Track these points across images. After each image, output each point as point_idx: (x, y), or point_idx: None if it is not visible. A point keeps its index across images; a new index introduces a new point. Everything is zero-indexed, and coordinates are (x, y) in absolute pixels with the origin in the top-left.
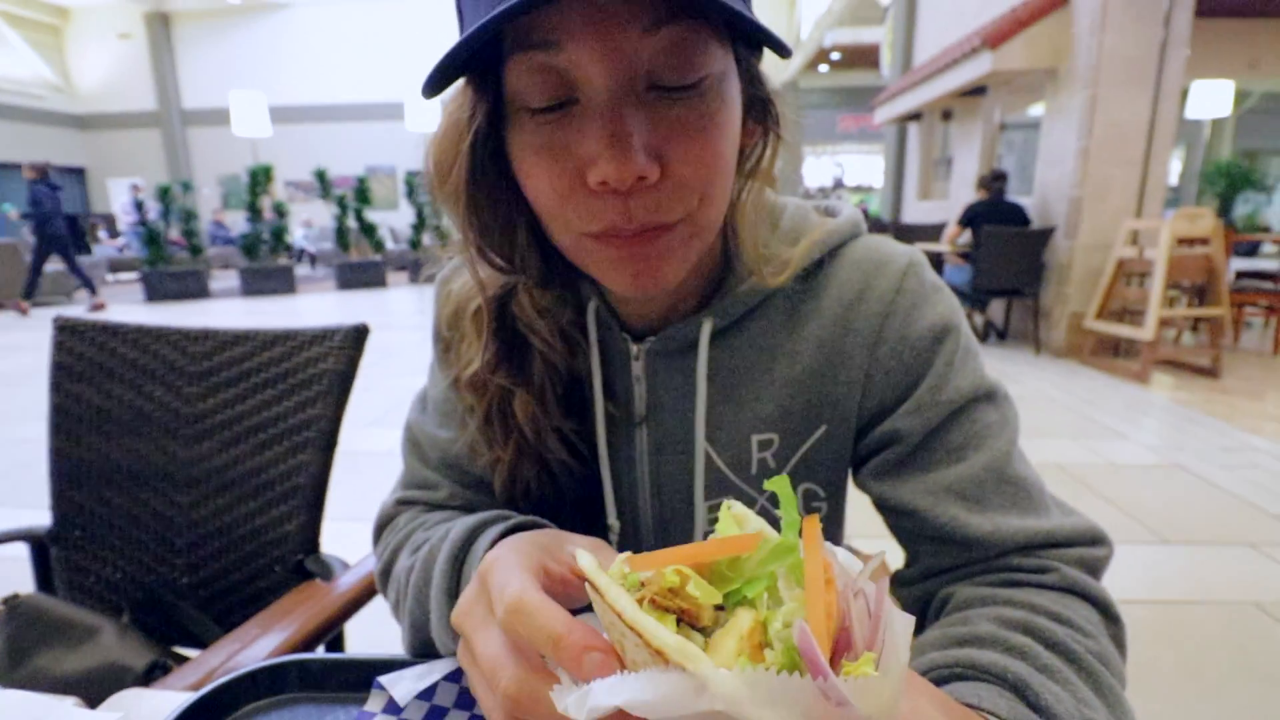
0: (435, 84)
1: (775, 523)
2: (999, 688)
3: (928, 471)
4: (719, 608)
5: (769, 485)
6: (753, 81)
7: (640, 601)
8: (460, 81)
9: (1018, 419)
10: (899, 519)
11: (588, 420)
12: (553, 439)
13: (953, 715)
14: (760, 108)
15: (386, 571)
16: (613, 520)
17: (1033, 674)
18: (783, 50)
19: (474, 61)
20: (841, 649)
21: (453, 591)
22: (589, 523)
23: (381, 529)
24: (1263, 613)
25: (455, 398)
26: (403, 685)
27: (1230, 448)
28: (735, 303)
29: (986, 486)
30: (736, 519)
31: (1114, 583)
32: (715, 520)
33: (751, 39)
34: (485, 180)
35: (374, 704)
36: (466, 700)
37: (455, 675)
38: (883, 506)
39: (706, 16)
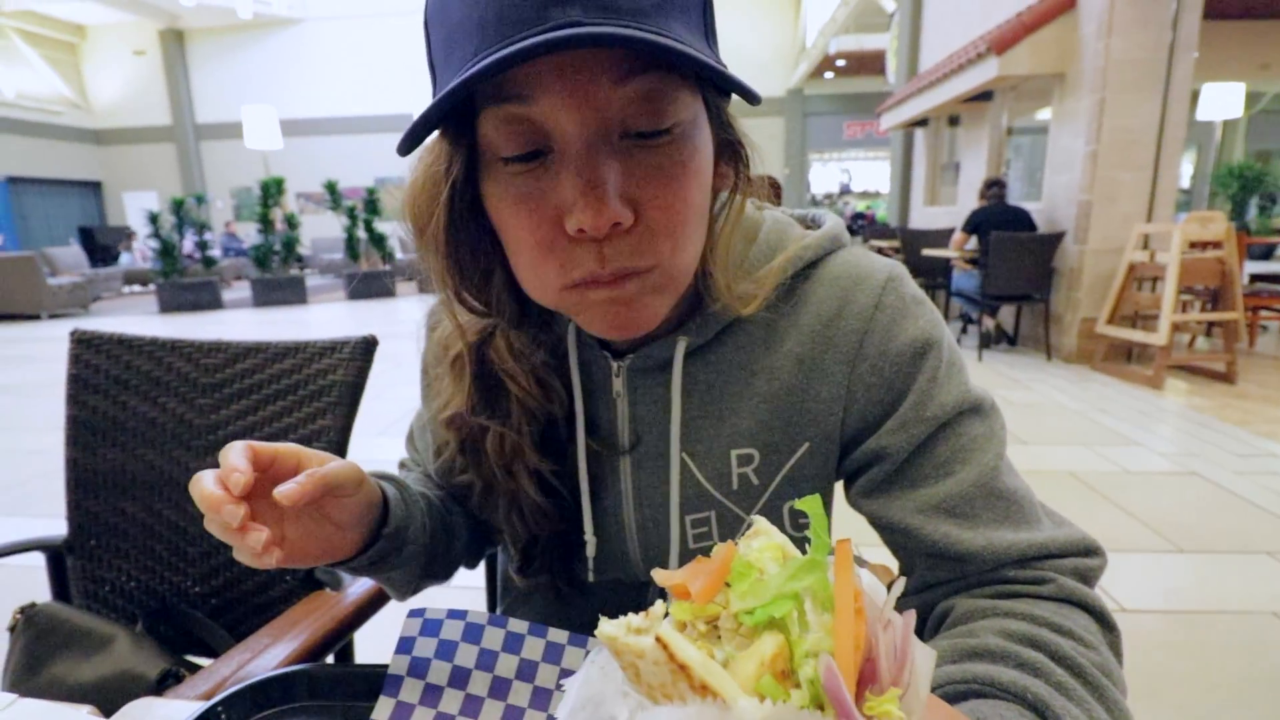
0: (411, 142)
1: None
2: (1020, 707)
3: (916, 488)
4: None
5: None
6: (723, 126)
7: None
8: (435, 134)
9: (1005, 429)
10: (892, 536)
11: (565, 459)
12: (527, 478)
13: None
14: (731, 151)
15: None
16: (589, 536)
17: (1053, 695)
18: (752, 98)
19: (449, 115)
20: (866, 681)
21: None
22: (567, 537)
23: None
24: None
25: (436, 427)
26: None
27: (1246, 454)
28: (709, 322)
29: (976, 502)
30: (763, 532)
31: (1129, 592)
32: (696, 534)
33: (721, 86)
34: (463, 229)
35: (381, 711)
36: (488, 659)
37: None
38: (875, 524)
39: (675, 67)
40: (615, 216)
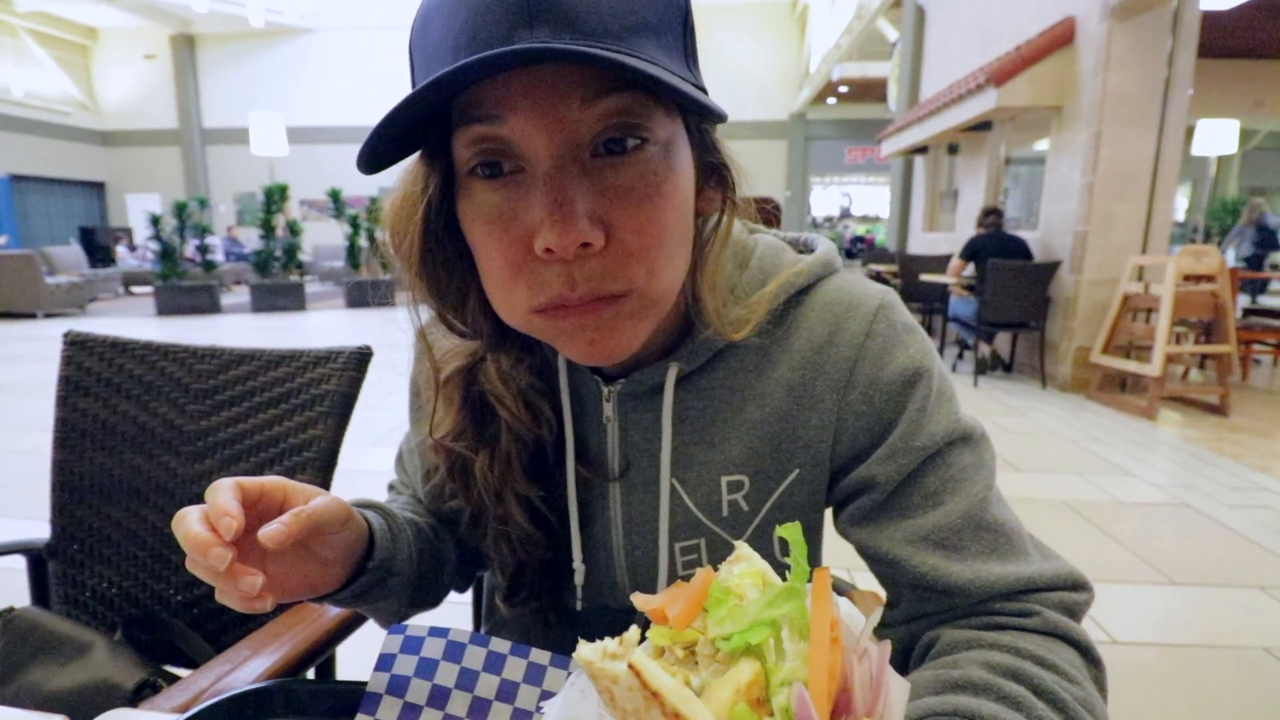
0: (380, 159)
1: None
2: None
3: (904, 519)
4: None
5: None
6: (706, 148)
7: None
8: (416, 156)
9: (994, 459)
10: (880, 566)
11: (554, 485)
12: (515, 505)
13: None
14: (717, 174)
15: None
16: (578, 564)
17: None
18: (717, 117)
19: (424, 136)
20: (841, 710)
21: None
22: (555, 564)
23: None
24: (1273, 658)
25: (425, 451)
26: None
27: (1239, 487)
28: (700, 348)
29: (965, 534)
30: (744, 558)
31: (1120, 624)
32: (686, 561)
33: (687, 106)
34: (439, 249)
35: None
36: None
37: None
38: (863, 553)
39: (646, 87)
40: (583, 236)
